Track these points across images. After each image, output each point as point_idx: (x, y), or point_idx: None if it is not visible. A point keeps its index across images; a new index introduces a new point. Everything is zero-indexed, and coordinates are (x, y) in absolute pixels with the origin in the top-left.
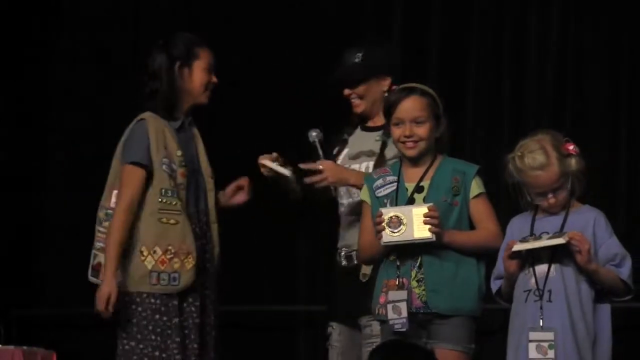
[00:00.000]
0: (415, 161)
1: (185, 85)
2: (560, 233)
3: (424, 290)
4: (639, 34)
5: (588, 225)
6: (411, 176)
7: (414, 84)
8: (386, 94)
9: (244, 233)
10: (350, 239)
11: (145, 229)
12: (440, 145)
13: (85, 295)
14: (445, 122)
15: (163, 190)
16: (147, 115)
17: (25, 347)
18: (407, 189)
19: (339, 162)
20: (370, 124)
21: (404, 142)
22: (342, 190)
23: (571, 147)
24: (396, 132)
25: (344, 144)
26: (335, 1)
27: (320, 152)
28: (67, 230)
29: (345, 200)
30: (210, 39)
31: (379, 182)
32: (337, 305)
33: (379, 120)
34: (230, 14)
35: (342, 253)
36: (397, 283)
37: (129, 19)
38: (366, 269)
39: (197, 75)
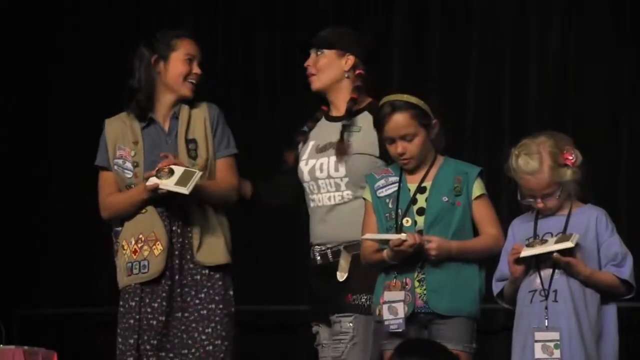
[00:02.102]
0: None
1: (163, 80)
2: (566, 235)
3: (425, 290)
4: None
5: (590, 225)
6: (413, 177)
7: (396, 97)
8: (347, 75)
9: (243, 233)
10: (324, 236)
11: (125, 224)
12: (437, 145)
13: (86, 296)
14: (437, 123)
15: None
16: (110, 119)
17: (26, 347)
18: (409, 190)
19: (304, 156)
20: (334, 113)
21: (398, 159)
22: (314, 184)
23: (570, 157)
24: (390, 149)
25: (305, 136)
26: (336, 1)
27: None
28: (68, 231)
29: (322, 194)
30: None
31: (381, 182)
32: (315, 305)
33: (344, 108)
34: (227, 11)
35: (316, 251)
36: (393, 284)
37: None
38: (344, 268)
39: (174, 67)
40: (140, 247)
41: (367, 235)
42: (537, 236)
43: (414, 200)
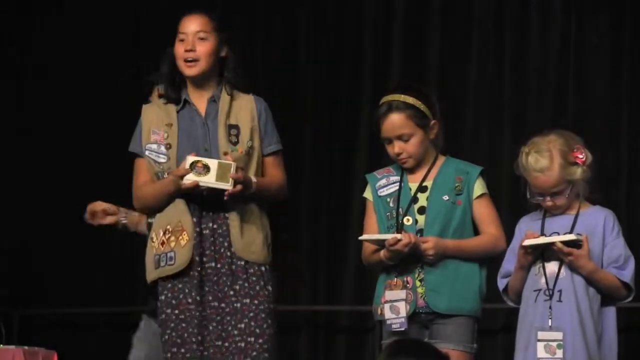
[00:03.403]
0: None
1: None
2: (572, 235)
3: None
4: None
5: (598, 226)
6: (415, 176)
7: (393, 97)
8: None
9: None
10: None
11: (157, 216)
12: (437, 144)
13: (86, 296)
14: (436, 123)
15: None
16: (147, 104)
17: (26, 347)
18: (410, 189)
19: None
20: None
21: (396, 159)
22: None
23: (580, 156)
24: (388, 149)
25: None
26: (336, 2)
27: None
28: (68, 231)
29: None
30: None
31: (383, 181)
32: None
33: None
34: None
35: None
36: (395, 282)
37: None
38: None
39: (175, 49)
40: (168, 238)
41: (364, 237)
42: (544, 235)
43: (414, 199)
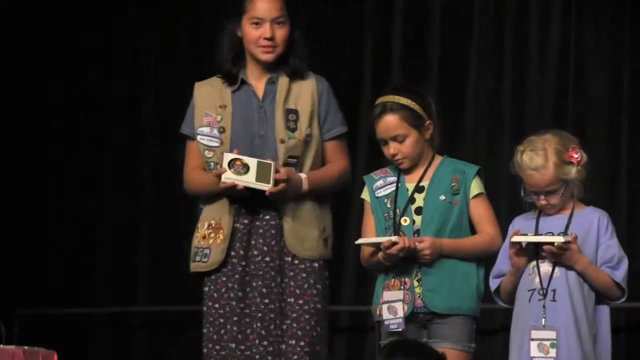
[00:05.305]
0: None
1: (245, 41)
2: (566, 234)
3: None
4: None
5: (592, 226)
6: (411, 176)
7: (387, 99)
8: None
9: None
10: None
11: (206, 206)
12: (433, 144)
13: (86, 296)
14: (431, 124)
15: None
16: (199, 82)
17: (26, 347)
18: (407, 189)
19: None
20: None
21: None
22: None
23: (575, 156)
24: (383, 150)
25: None
26: (336, 1)
27: None
28: (68, 231)
29: None
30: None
31: (380, 182)
32: None
33: None
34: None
35: None
36: (393, 283)
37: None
38: None
39: (245, 31)
40: (209, 233)
41: (360, 241)
42: (539, 235)
43: (412, 200)
